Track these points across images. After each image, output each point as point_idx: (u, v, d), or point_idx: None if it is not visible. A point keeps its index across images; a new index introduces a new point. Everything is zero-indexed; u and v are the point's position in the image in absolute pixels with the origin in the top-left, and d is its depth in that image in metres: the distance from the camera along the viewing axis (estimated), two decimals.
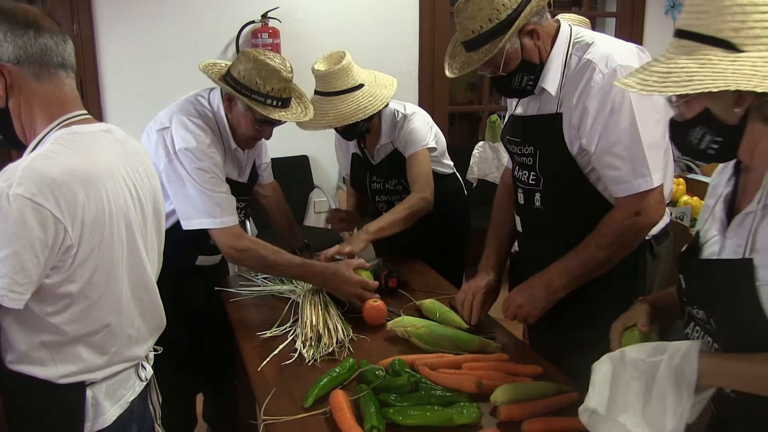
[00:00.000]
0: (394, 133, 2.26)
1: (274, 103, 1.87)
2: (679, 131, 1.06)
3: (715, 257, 1.09)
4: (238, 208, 1.98)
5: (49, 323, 1.14)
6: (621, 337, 1.23)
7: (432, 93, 4.21)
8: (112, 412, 1.25)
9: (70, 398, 1.20)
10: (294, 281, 2.04)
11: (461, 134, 5.71)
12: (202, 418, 2.52)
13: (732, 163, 1.15)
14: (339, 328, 1.73)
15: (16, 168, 1.08)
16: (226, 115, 1.95)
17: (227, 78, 1.89)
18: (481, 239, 1.98)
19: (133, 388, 1.33)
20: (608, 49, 1.51)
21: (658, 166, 1.50)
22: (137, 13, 3.53)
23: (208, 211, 1.84)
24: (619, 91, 1.44)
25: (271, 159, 4.05)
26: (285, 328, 1.77)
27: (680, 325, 1.20)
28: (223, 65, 1.99)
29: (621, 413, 1.05)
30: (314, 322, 1.72)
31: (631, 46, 1.54)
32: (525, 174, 1.69)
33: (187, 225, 1.86)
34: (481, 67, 1.58)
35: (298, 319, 1.80)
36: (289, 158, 3.98)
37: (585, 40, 1.56)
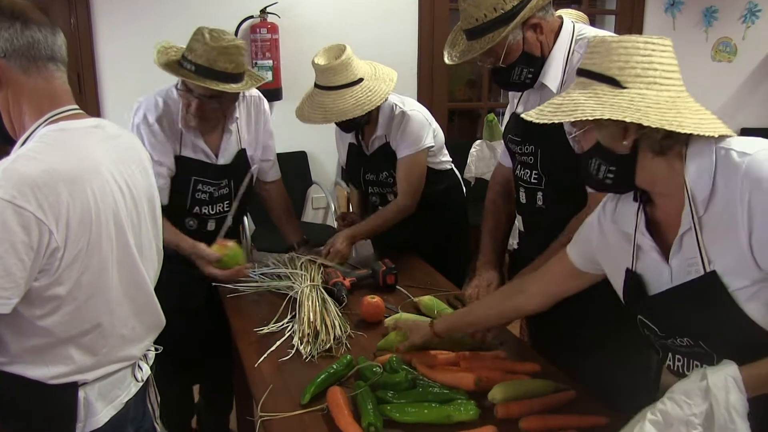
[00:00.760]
0: (389, 127, 2.24)
1: (192, 68, 1.84)
2: (581, 163, 1.16)
3: (668, 286, 1.10)
4: (209, 191, 2.09)
5: (38, 326, 1.12)
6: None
7: (431, 89, 4.20)
8: (104, 413, 1.24)
9: (62, 399, 1.18)
10: (291, 277, 2.03)
11: (460, 131, 5.69)
12: (196, 413, 2.52)
13: (623, 196, 1.20)
14: (337, 324, 1.72)
15: None
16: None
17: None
18: (480, 236, 1.98)
19: (128, 389, 1.31)
20: None
21: None
22: (135, 8, 3.52)
23: None
24: None
25: None
26: (282, 325, 1.77)
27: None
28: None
29: None
30: (312, 319, 1.72)
31: None
32: (527, 173, 1.68)
33: None
34: (481, 57, 1.57)
35: (295, 315, 1.79)
36: (287, 154, 3.97)
37: (587, 37, 1.55)
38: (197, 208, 2.12)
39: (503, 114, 3.00)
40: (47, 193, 1.06)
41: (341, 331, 1.70)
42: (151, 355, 1.42)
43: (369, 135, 2.31)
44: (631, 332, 1.64)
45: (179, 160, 2.06)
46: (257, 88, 2.11)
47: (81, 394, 1.19)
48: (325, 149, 3.87)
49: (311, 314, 1.74)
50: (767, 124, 5.28)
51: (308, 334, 1.67)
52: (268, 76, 3.70)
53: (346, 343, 1.67)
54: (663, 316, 1.13)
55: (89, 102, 3.62)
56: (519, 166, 1.73)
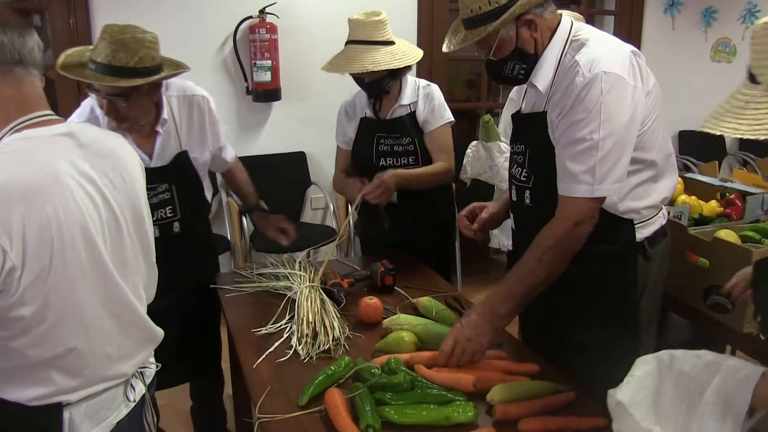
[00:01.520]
0: (415, 97, 2.32)
1: (93, 66, 1.75)
2: None
3: None
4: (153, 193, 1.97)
5: (9, 348, 1.07)
6: None
7: None
8: None
9: (45, 420, 1.13)
10: (290, 278, 2.03)
11: (459, 131, 5.66)
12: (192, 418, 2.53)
13: None
14: (335, 325, 1.72)
15: None
16: None
17: None
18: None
19: (118, 410, 1.25)
20: (597, 53, 1.48)
21: (609, 178, 1.46)
22: (134, 8, 3.51)
23: None
24: (592, 97, 1.43)
25: (268, 155, 4.06)
26: (280, 326, 1.76)
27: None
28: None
29: (652, 422, 1.00)
30: (310, 320, 1.72)
31: (626, 51, 1.50)
32: (518, 171, 1.70)
33: None
34: (476, 47, 1.59)
35: (293, 316, 1.79)
36: (286, 154, 3.97)
37: (581, 39, 1.54)
38: None
39: (500, 113, 3.00)
40: None
41: (340, 332, 1.70)
42: (149, 372, 1.37)
43: (388, 106, 2.33)
44: (624, 333, 1.65)
45: None
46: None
47: (66, 414, 1.14)
48: (323, 150, 3.86)
49: (310, 315, 1.74)
50: None
51: (306, 335, 1.67)
52: (267, 76, 3.69)
53: (344, 345, 1.66)
54: None
55: None
56: (512, 164, 1.74)
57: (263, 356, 1.61)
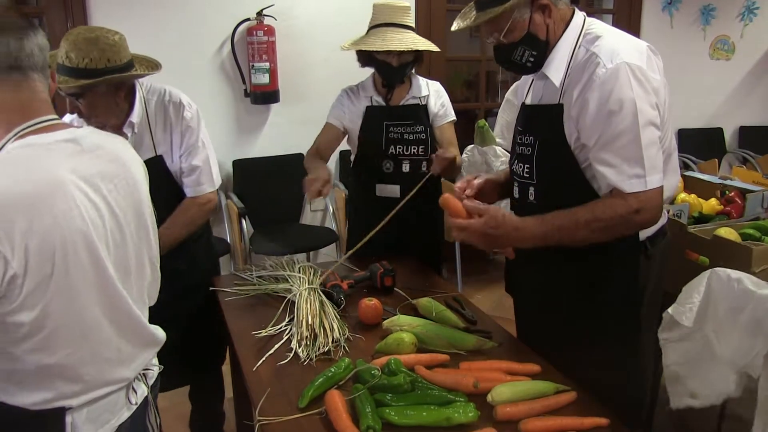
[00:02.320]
0: (427, 91, 2.38)
1: (55, 68, 1.78)
2: None
3: None
4: None
5: (8, 353, 1.07)
6: None
7: None
8: None
9: (48, 424, 1.12)
10: (289, 280, 2.02)
11: (457, 131, 5.69)
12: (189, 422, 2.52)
13: None
14: (335, 327, 1.72)
15: None
16: None
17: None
18: None
19: (120, 413, 1.24)
20: (616, 45, 1.48)
21: (656, 167, 1.46)
22: (132, 11, 3.51)
23: None
24: (622, 88, 1.42)
25: (267, 157, 4.07)
26: (280, 328, 1.76)
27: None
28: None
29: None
30: (310, 321, 1.71)
31: (642, 45, 1.50)
32: (521, 166, 1.67)
33: None
34: (486, 29, 1.58)
35: (293, 318, 1.79)
36: (285, 156, 3.97)
37: (595, 33, 1.54)
38: None
39: (497, 114, 2.99)
40: (0, 219, 0.99)
41: (339, 333, 1.70)
42: (152, 374, 1.36)
43: (398, 96, 2.36)
44: (625, 333, 1.64)
45: None
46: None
47: (68, 419, 1.14)
48: None
49: (309, 317, 1.73)
50: (765, 121, 5.28)
51: (306, 337, 1.66)
52: (265, 78, 3.69)
53: (344, 346, 1.66)
54: None
55: None
56: (516, 160, 1.72)
57: (263, 358, 1.60)
